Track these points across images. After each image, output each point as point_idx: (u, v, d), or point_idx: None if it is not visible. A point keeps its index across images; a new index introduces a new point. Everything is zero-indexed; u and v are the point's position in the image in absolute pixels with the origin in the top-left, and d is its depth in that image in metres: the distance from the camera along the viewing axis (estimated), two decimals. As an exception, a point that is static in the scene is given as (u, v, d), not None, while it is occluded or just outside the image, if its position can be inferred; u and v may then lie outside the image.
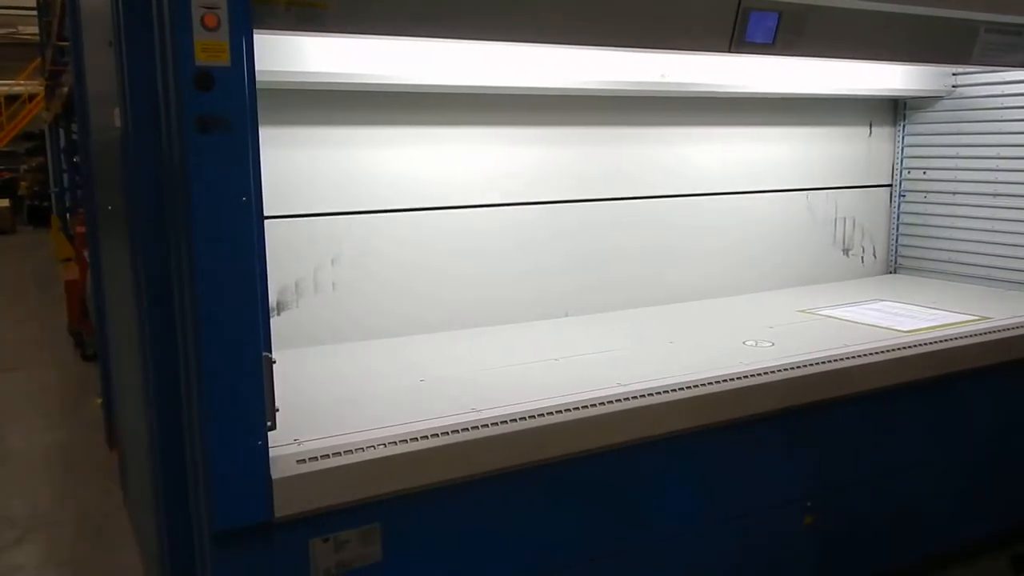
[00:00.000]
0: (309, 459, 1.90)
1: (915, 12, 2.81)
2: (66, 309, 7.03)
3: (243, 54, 1.67)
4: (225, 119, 1.64)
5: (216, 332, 1.72)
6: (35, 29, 15.11)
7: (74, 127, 11.08)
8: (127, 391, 2.86)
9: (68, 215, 12.30)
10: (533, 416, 2.18)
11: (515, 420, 2.15)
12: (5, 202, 18.53)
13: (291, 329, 2.82)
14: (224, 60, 1.63)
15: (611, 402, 2.30)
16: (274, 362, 1.81)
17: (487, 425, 2.12)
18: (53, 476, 4.74)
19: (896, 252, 4.31)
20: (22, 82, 19.95)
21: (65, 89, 9.58)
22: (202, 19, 1.60)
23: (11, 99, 20.48)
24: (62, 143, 12.95)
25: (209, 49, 1.61)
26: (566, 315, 3.37)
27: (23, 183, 20.34)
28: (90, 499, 4.36)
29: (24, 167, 20.81)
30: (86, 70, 3.31)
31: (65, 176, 13.00)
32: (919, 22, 2.89)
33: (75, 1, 3.35)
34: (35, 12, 13.17)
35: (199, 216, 1.67)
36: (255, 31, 1.72)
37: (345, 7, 1.95)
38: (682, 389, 2.42)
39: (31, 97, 19.64)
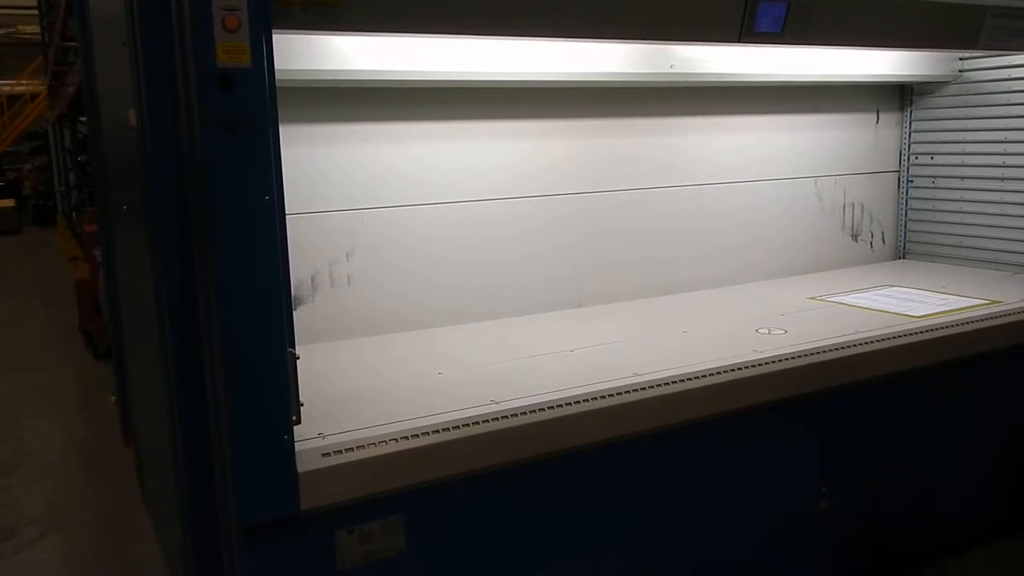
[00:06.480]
0: (334, 452, 1.93)
1: (923, -2, 2.83)
2: (76, 308, 7.05)
3: (263, 54, 1.69)
4: (248, 119, 1.66)
5: (241, 329, 1.75)
6: (36, 28, 15.12)
7: (79, 126, 11.11)
8: (144, 388, 2.89)
9: (74, 214, 12.33)
10: (552, 407, 2.21)
11: (534, 411, 2.18)
12: (10, 202, 18.54)
13: (307, 323, 2.84)
14: (245, 61, 1.65)
15: (628, 392, 2.32)
16: (298, 358, 1.84)
17: (506, 416, 2.15)
18: (70, 474, 4.78)
19: (905, 237, 4.32)
20: (24, 82, 19.97)
21: (70, 89, 9.59)
22: (223, 21, 1.62)
23: (13, 99, 20.49)
24: (67, 142, 12.98)
25: (230, 51, 1.63)
26: (579, 306, 3.39)
27: (27, 182, 20.38)
28: (107, 495, 4.41)
29: (28, 167, 20.84)
30: (96, 70, 3.32)
31: (71, 175, 13.03)
32: (927, 8, 2.90)
33: (84, 1, 3.35)
34: (35, 11, 13.17)
35: (223, 216, 1.69)
36: (272, 31, 1.74)
37: (360, 6, 1.96)
38: (697, 378, 2.44)
39: (33, 97, 19.65)
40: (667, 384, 2.39)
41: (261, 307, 1.76)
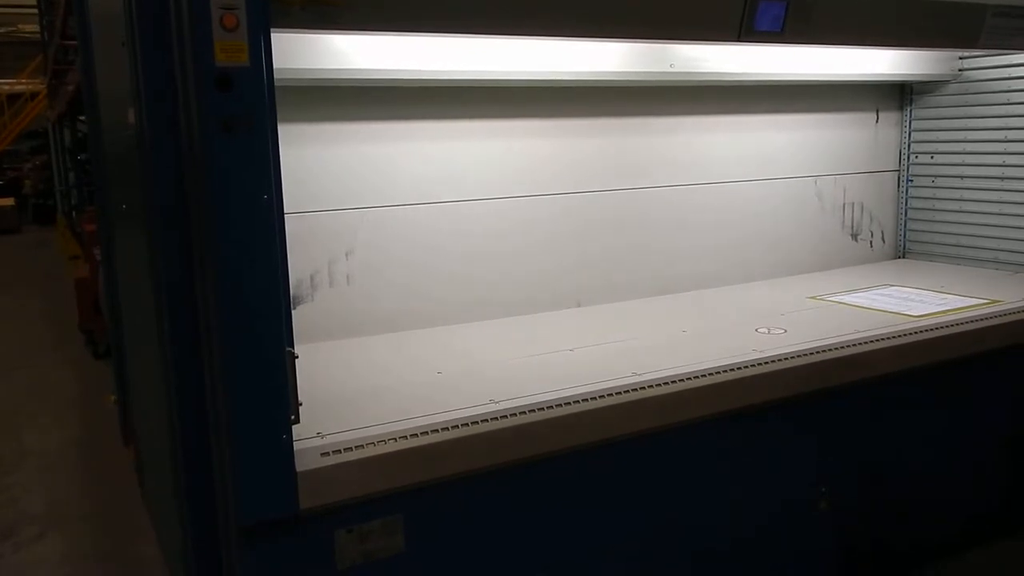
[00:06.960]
0: (333, 452, 1.93)
1: (922, -3, 2.82)
2: (76, 307, 7.05)
3: (261, 54, 1.69)
4: (246, 119, 1.65)
5: (240, 329, 1.75)
6: (35, 27, 15.11)
7: (79, 125, 11.11)
8: (144, 387, 2.89)
9: (74, 213, 12.32)
10: (551, 406, 2.21)
11: (533, 411, 2.18)
12: (10, 201, 18.51)
13: (307, 323, 2.84)
14: (243, 60, 1.65)
15: (627, 391, 2.32)
16: (297, 357, 1.84)
17: (506, 416, 2.15)
18: (69, 473, 4.77)
19: (904, 237, 4.32)
20: (24, 81, 19.95)
21: (70, 87, 9.58)
22: (221, 20, 1.61)
23: (13, 98, 20.47)
24: (67, 141, 12.97)
25: (228, 50, 1.63)
26: (579, 305, 3.39)
27: (27, 181, 20.36)
28: (107, 495, 4.40)
29: (28, 165, 20.83)
30: (96, 69, 3.32)
31: (71, 174, 13.02)
32: (927, 7, 2.90)
33: (83, 0, 3.35)
34: (35, 10, 13.16)
35: (222, 216, 1.69)
36: (271, 30, 1.74)
37: (360, 6, 1.96)
38: (697, 377, 2.44)
39: (33, 96, 19.63)
40: (667, 384, 2.39)
41: (260, 307, 1.75)
